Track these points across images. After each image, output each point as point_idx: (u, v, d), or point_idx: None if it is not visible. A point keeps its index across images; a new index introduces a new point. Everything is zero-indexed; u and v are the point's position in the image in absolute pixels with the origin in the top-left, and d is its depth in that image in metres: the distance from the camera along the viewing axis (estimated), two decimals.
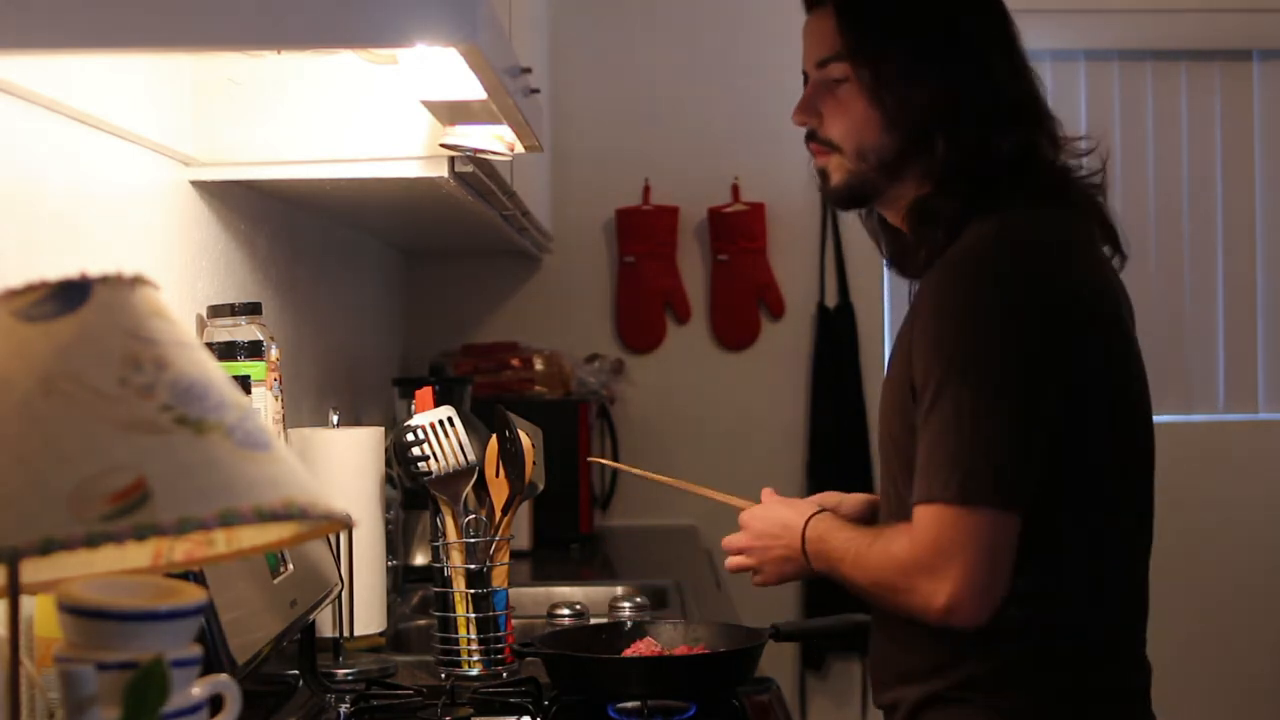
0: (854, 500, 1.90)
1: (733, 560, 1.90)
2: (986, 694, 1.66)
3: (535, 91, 1.92)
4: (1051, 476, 1.60)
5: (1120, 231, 1.74)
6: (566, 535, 3.52)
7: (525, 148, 2.07)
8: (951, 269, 1.62)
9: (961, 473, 1.56)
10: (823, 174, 1.77)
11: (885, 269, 3.96)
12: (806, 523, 1.78)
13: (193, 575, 1.40)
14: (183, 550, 1.15)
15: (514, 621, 2.15)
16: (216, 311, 2.01)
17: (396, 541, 2.67)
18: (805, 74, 1.79)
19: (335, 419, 2.23)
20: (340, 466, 2.16)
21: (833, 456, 3.89)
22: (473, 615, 2.09)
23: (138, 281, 1.05)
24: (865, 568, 1.68)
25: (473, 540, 2.10)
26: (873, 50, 1.67)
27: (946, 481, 1.57)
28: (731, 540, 1.90)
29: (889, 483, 1.74)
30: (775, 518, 1.84)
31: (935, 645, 1.67)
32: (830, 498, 1.90)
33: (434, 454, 2.10)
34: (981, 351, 1.56)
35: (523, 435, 2.14)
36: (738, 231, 3.94)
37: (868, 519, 1.83)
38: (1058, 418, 1.58)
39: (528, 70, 1.84)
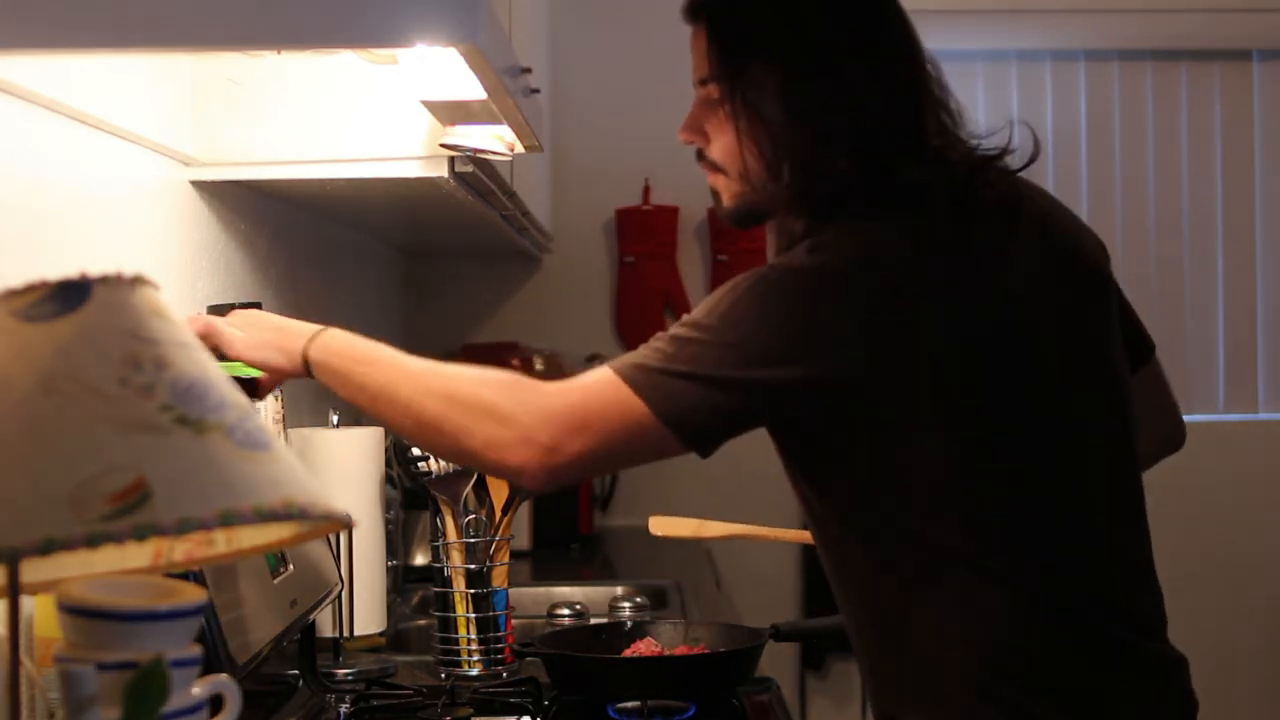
0: None
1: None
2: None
3: (535, 91, 1.92)
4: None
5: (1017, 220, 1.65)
6: (566, 535, 3.52)
7: (525, 148, 2.07)
8: (767, 268, 1.60)
9: (653, 372, 1.53)
10: (714, 193, 1.74)
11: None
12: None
13: (193, 575, 1.40)
14: (183, 550, 1.15)
15: (514, 621, 2.15)
16: (216, 311, 2.00)
17: (396, 541, 2.67)
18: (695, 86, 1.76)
19: (335, 419, 2.23)
20: (340, 466, 2.16)
21: None
22: (473, 615, 2.09)
23: (138, 281, 1.05)
24: (437, 379, 1.58)
25: (473, 540, 2.10)
26: (736, 75, 1.64)
27: (636, 366, 1.54)
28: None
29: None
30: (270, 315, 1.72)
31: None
32: None
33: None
34: (729, 313, 1.54)
35: None
36: (738, 231, 3.93)
37: None
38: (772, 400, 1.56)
39: (528, 70, 1.84)
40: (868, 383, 1.53)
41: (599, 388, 1.54)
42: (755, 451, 4.01)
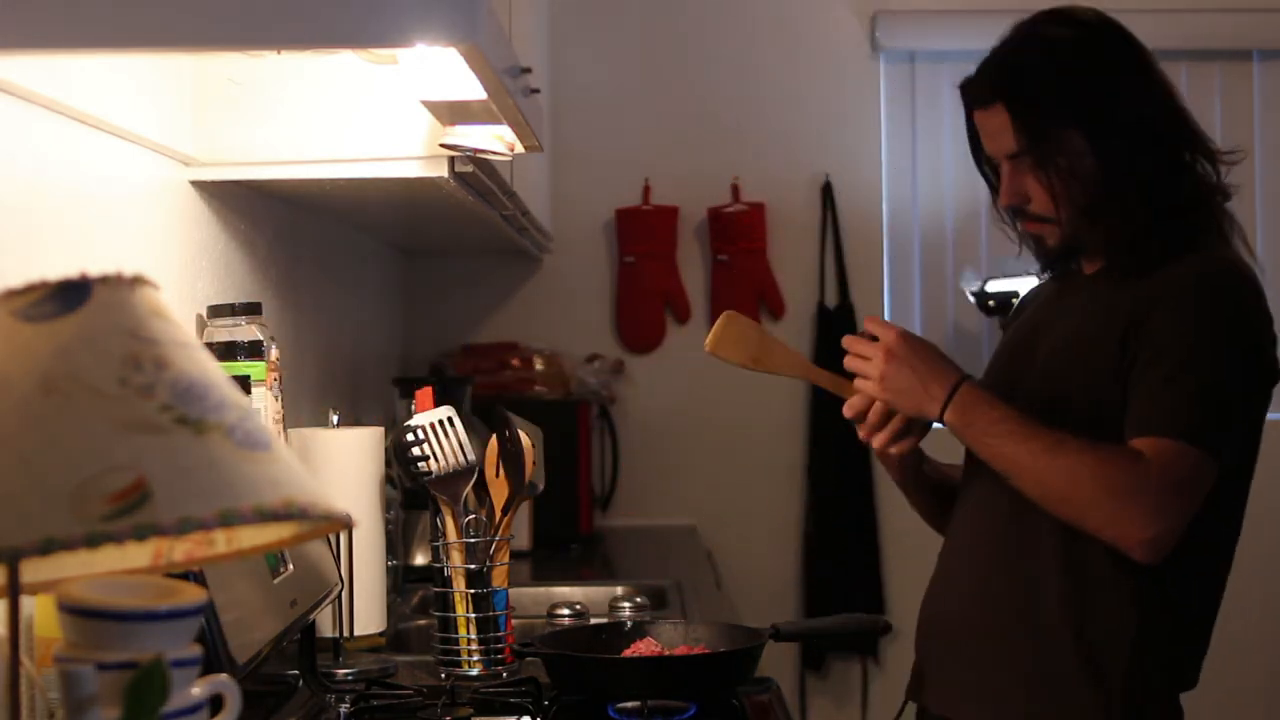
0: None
1: (856, 362, 1.91)
2: None
3: (535, 91, 1.92)
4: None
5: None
6: (566, 535, 3.52)
7: (525, 148, 2.07)
8: (1181, 283, 1.86)
9: (1197, 417, 1.79)
10: (1037, 239, 1.97)
11: (886, 270, 3.99)
12: (965, 376, 1.88)
13: (193, 575, 1.40)
14: (183, 550, 1.15)
15: (514, 621, 2.15)
16: (216, 311, 2.01)
17: (396, 541, 2.67)
18: (978, 155, 2.01)
19: (335, 419, 2.23)
20: (340, 466, 2.16)
21: (832, 457, 3.89)
22: (473, 615, 2.09)
23: (138, 281, 1.05)
24: (1058, 457, 1.80)
25: (473, 540, 2.10)
26: (1050, 143, 1.88)
27: (1186, 423, 1.78)
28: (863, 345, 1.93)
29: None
30: (931, 353, 1.90)
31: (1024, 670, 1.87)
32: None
33: (434, 454, 2.10)
34: (1210, 339, 1.83)
35: (523, 435, 2.14)
36: (738, 231, 3.94)
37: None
38: (1253, 406, 1.88)
39: (528, 70, 1.84)
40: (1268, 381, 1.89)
41: (1184, 456, 1.78)
42: (756, 451, 3.98)
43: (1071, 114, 1.88)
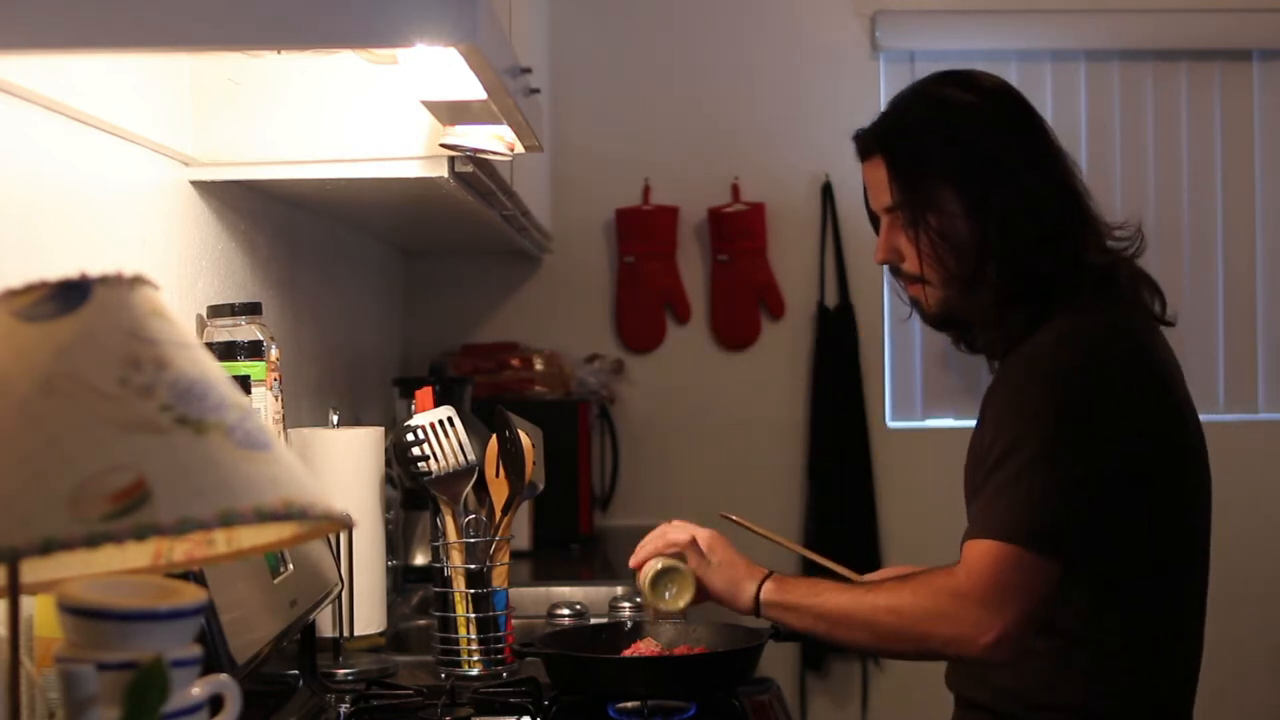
0: None
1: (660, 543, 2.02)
2: None
3: (535, 91, 1.92)
4: (1126, 545, 1.80)
5: (1163, 296, 1.95)
6: (566, 535, 3.52)
7: (525, 148, 2.07)
8: (1028, 362, 1.81)
9: (1019, 518, 1.74)
10: (915, 302, 1.95)
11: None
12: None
13: (193, 575, 1.40)
14: (183, 550, 1.15)
15: (514, 621, 2.15)
16: (216, 311, 2.01)
17: (396, 541, 2.67)
18: (870, 211, 1.97)
19: (335, 419, 2.23)
20: (340, 466, 2.16)
21: (833, 457, 3.89)
22: (473, 615, 2.09)
23: (138, 281, 1.05)
24: (876, 600, 1.81)
25: (473, 540, 2.10)
26: (926, 197, 1.85)
27: (1006, 524, 1.74)
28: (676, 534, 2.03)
29: None
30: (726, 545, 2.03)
31: (1039, 662, 1.83)
32: None
33: (434, 454, 2.10)
34: (1045, 424, 1.76)
35: (523, 435, 2.14)
36: (738, 231, 3.94)
37: None
38: (1112, 491, 1.77)
39: (528, 70, 1.84)
40: (1150, 453, 1.79)
41: (999, 561, 1.74)
42: (756, 451, 3.99)
43: (947, 172, 1.85)
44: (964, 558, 1.77)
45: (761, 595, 1.92)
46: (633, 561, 2.04)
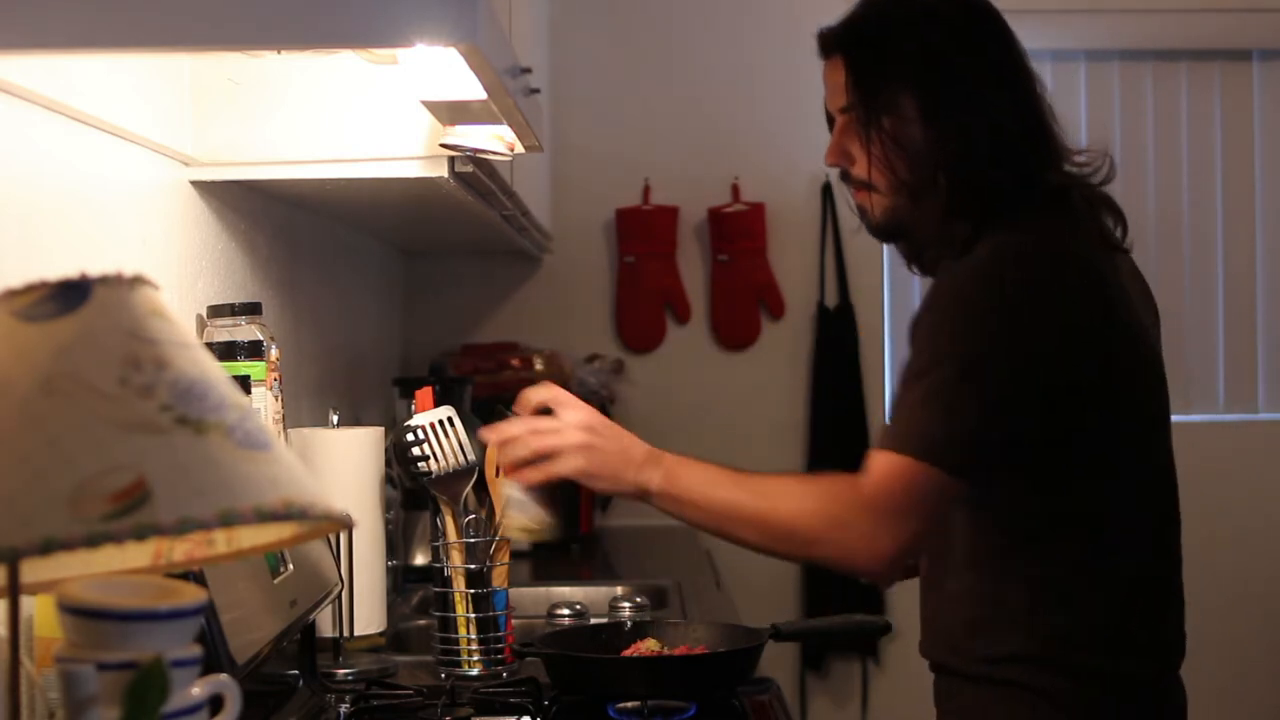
0: None
1: (543, 439, 1.84)
2: (1029, 672, 1.73)
3: (535, 91, 1.92)
4: (1058, 469, 1.72)
5: (1125, 220, 1.85)
6: (566, 535, 3.51)
7: (525, 148, 2.07)
8: (958, 274, 1.73)
9: (932, 434, 1.67)
10: (862, 210, 1.87)
11: (886, 270, 3.98)
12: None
13: (193, 575, 1.40)
14: (183, 550, 1.15)
15: (514, 621, 2.15)
16: (216, 311, 2.01)
17: (396, 541, 2.67)
18: (829, 114, 1.90)
19: (335, 419, 2.23)
20: (340, 466, 2.16)
21: (833, 457, 3.89)
22: (473, 615, 2.09)
23: (138, 281, 1.05)
24: (771, 497, 1.75)
25: (473, 540, 2.10)
26: (883, 100, 1.78)
27: (912, 437, 1.68)
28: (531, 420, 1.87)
29: None
30: (611, 424, 1.86)
31: (983, 610, 1.76)
32: None
33: (434, 454, 2.10)
34: (970, 340, 1.68)
35: None
36: (738, 231, 3.94)
37: None
38: (1045, 412, 1.69)
39: (528, 70, 1.84)
40: (1074, 387, 1.69)
41: (905, 475, 1.68)
42: (756, 451, 3.99)
43: (906, 77, 1.77)
44: (869, 468, 1.71)
45: (652, 486, 1.82)
46: (501, 469, 1.90)
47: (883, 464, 1.70)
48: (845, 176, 1.87)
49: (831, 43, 1.85)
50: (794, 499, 1.75)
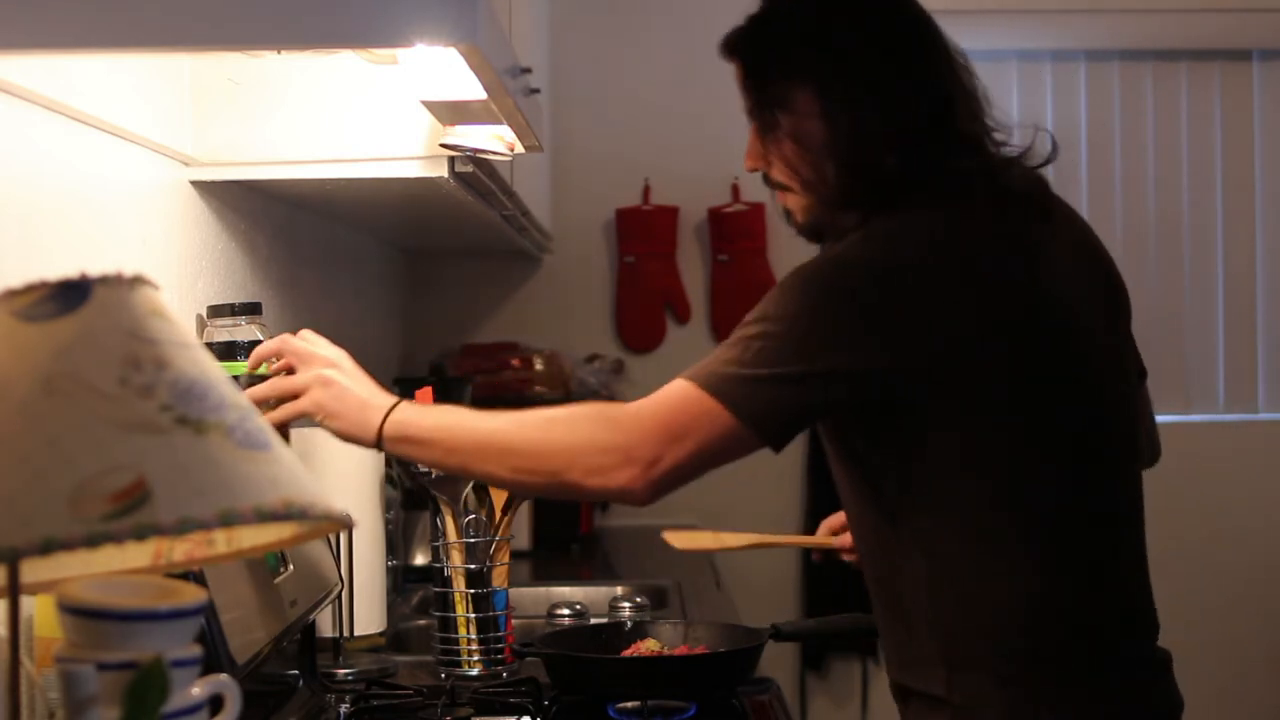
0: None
1: (286, 380, 1.74)
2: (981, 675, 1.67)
3: (535, 91, 1.92)
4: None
5: (1048, 201, 1.75)
6: (566, 535, 3.51)
7: (525, 148, 2.07)
8: (817, 256, 1.70)
9: (730, 378, 1.61)
10: (787, 212, 1.83)
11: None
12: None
13: (193, 575, 1.40)
14: (183, 550, 1.15)
15: (514, 621, 2.15)
16: (216, 311, 2.01)
17: (396, 541, 2.66)
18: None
19: None
20: (340, 466, 2.16)
21: None
22: (473, 615, 2.09)
23: (138, 281, 1.05)
24: (527, 424, 1.66)
25: (473, 540, 2.10)
26: (776, 98, 1.75)
27: (713, 374, 1.62)
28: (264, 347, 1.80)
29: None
30: (360, 371, 1.76)
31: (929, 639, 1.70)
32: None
33: None
34: (789, 307, 1.63)
35: None
36: (738, 231, 3.94)
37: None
38: (849, 382, 1.62)
39: (528, 70, 1.84)
40: (913, 369, 1.61)
41: (683, 399, 1.63)
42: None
43: (796, 73, 1.73)
44: (659, 393, 1.66)
45: (385, 430, 1.70)
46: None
47: (668, 387, 1.65)
48: (766, 180, 1.83)
49: (727, 48, 1.83)
50: (547, 426, 1.66)
